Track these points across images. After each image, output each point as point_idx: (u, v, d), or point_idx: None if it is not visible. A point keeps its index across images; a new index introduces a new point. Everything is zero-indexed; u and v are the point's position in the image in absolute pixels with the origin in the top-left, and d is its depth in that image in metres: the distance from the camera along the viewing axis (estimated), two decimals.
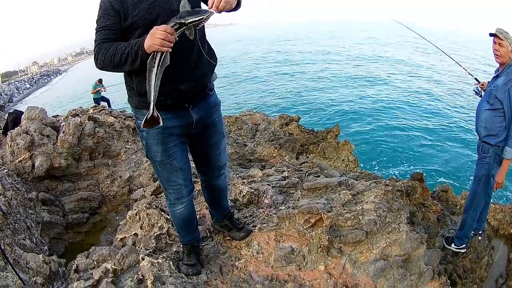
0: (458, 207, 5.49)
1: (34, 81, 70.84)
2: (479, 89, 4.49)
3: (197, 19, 2.21)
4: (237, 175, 5.25)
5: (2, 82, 78.11)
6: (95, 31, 2.46)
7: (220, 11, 2.31)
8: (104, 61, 2.36)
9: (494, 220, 5.08)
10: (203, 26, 2.54)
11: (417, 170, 13.39)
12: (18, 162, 6.05)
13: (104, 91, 17.31)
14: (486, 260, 4.71)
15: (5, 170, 5.61)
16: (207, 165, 3.21)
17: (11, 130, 6.99)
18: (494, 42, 3.91)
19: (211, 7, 2.27)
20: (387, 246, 3.58)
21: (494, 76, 4.09)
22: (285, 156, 7.65)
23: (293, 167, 5.87)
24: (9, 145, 6.41)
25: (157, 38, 2.14)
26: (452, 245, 4.54)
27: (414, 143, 18.70)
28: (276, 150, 7.79)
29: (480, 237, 4.78)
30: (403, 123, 21.84)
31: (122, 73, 2.66)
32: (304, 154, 8.41)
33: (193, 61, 2.60)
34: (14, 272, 3.47)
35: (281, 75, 39.62)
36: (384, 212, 3.78)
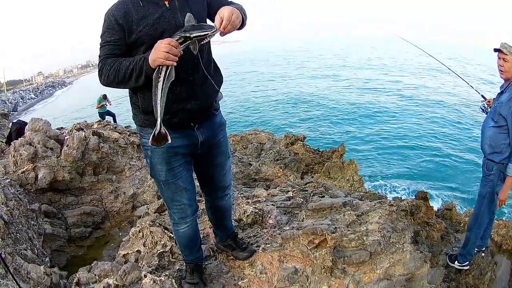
0: (462, 224, 5.49)
1: (39, 91, 71.16)
2: (486, 106, 4.46)
3: (201, 34, 2.21)
4: (242, 195, 5.24)
5: (6, 91, 78.61)
6: (99, 46, 2.45)
7: (224, 34, 2.31)
8: (108, 77, 2.34)
9: (497, 235, 5.07)
10: (209, 43, 2.56)
11: (422, 188, 13.46)
12: (21, 173, 6.04)
13: (110, 105, 17.35)
14: (489, 276, 4.70)
15: (8, 180, 5.60)
16: (212, 186, 3.20)
17: (14, 140, 7.00)
18: (499, 58, 3.87)
19: (219, 27, 2.26)
20: (391, 266, 3.56)
21: (499, 93, 4.06)
22: (290, 175, 7.66)
23: (298, 187, 5.87)
24: (12, 155, 6.41)
25: (161, 51, 2.12)
26: (456, 262, 4.51)
27: (419, 161, 18.71)
28: (281, 170, 7.80)
29: (483, 254, 4.75)
30: (408, 141, 21.85)
31: (127, 90, 2.65)
32: (309, 173, 8.40)
33: (199, 79, 2.59)
34: (14, 281, 3.47)
35: (285, 94, 39.63)
36: (388, 233, 3.77)
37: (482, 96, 4.68)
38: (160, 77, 2.22)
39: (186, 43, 2.22)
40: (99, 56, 2.43)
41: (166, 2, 2.46)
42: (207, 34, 2.22)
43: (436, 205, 13.11)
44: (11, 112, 40.80)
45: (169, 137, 2.37)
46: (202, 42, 2.32)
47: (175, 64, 2.18)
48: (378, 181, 16.11)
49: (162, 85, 2.24)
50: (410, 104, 32.24)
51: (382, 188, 15.01)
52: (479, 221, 4.31)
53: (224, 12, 2.27)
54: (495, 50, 3.87)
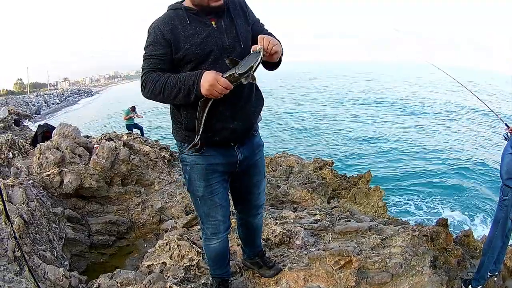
0: (478, 250, 5.47)
1: (64, 97, 71.08)
2: (508, 134, 4.48)
3: (254, 64, 2.26)
4: (270, 216, 5.30)
5: (30, 92, 79.32)
6: (143, 58, 2.48)
7: (268, 53, 2.34)
8: (153, 91, 2.36)
9: (510, 261, 5.04)
10: None
11: (443, 215, 13.41)
12: (46, 176, 6.08)
13: (140, 118, 17.47)
14: None
15: (31, 181, 5.64)
16: (246, 204, 3.24)
17: (40, 143, 7.04)
18: None
19: (264, 48, 2.31)
20: None
21: None
22: (317, 199, 7.68)
23: (325, 211, 5.91)
24: (37, 157, 6.44)
25: (215, 91, 2.20)
26: (469, 287, 4.50)
27: (444, 187, 18.55)
28: (309, 194, 7.83)
29: (496, 278, 4.73)
30: (433, 168, 21.68)
31: (168, 105, 2.70)
32: (336, 198, 8.41)
33: (243, 100, 2.63)
34: (32, 277, 3.54)
35: (314, 116, 39.53)
36: (410, 256, 3.84)
37: (506, 124, 4.70)
38: (208, 102, 2.32)
39: (238, 81, 2.28)
40: (143, 68, 2.47)
41: (213, 22, 2.49)
42: (258, 60, 2.27)
43: (458, 226, 13.11)
44: (34, 115, 41.16)
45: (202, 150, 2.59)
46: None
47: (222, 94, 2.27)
48: (403, 207, 16.04)
49: (207, 109, 2.34)
50: (434, 135, 31.99)
51: (404, 213, 14.97)
52: (493, 245, 4.32)
53: (265, 36, 2.34)
54: None
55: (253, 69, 2.26)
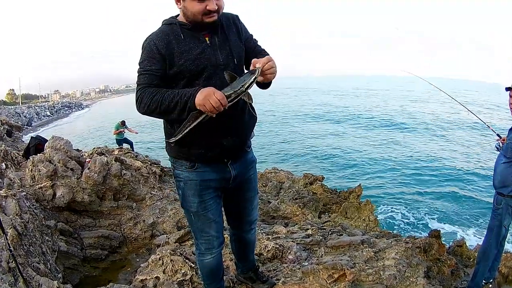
0: (471, 259, 5.53)
1: (55, 110, 70.79)
2: (501, 144, 4.52)
3: (251, 81, 2.27)
4: (261, 231, 5.33)
5: (21, 103, 79.30)
6: (137, 73, 2.46)
7: (265, 76, 2.35)
8: (150, 107, 2.33)
9: (505, 267, 5.08)
10: None
11: (434, 226, 13.51)
12: (38, 188, 6.07)
13: (135, 133, 17.50)
14: None
15: (24, 193, 5.61)
16: (239, 220, 3.25)
17: (33, 155, 7.04)
18: (510, 96, 3.98)
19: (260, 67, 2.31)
20: None
21: (510, 129, 4.15)
22: (308, 214, 7.71)
23: (316, 226, 5.93)
24: (30, 169, 6.45)
25: (210, 104, 2.17)
26: None
27: (437, 197, 18.63)
28: (300, 209, 7.85)
29: (491, 285, 4.77)
30: (424, 178, 21.80)
31: (159, 120, 2.67)
32: (327, 213, 8.43)
33: (237, 116, 2.63)
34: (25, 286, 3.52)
35: (304, 131, 39.60)
36: (403, 267, 3.85)
37: (498, 135, 4.76)
38: (199, 116, 2.29)
39: (235, 100, 2.29)
40: (138, 83, 2.44)
41: (207, 38, 2.51)
42: (254, 77, 2.28)
43: (451, 236, 13.15)
44: (25, 126, 41.01)
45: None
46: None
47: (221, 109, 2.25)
48: (394, 220, 16.08)
49: (196, 122, 2.31)
50: (427, 143, 32.20)
51: (396, 226, 15.03)
52: (487, 253, 4.36)
53: (262, 58, 2.36)
54: (507, 89, 3.97)
55: (247, 87, 2.27)
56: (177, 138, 2.39)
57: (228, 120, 2.56)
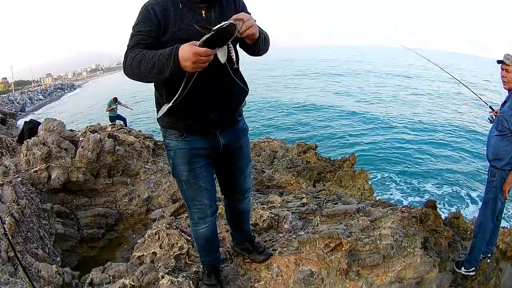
0: (468, 232, 5.54)
1: (48, 93, 70.60)
2: (493, 117, 4.51)
3: (223, 26, 2.10)
4: (256, 201, 5.31)
5: (14, 91, 78.91)
6: (130, 36, 2.42)
7: (245, 34, 2.26)
8: (132, 66, 2.27)
9: (503, 243, 5.11)
10: (237, 52, 2.55)
11: (431, 197, 13.53)
12: (33, 172, 6.03)
13: (130, 109, 17.44)
14: (493, 282, 4.76)
15: (19, 179, 5.58)
16: (232, 188, 3.24)
17: (27, 139, 6.98)
18: (502, 69, 3.97)
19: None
20: (402, 270, 3.67)
21: (502, 103, 4.17)
22: (302, 183, 7.69)
23: (311, 194, 5.92)
24: (25, 154, 6.40)
25: (188, 63, 2.10)
26: (462, 268, 4.54)
27: (429, 170, 18.70)
28: (294, 178, 7.84)
29: (489, 260, 4.79)
30: (419, 149, 21.87)
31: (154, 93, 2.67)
32: (321, 182, 8.41)
33: (224, 90, 2.60)
34: (27, 278, 3.51)
35: (298, 102, 39.41)
36: (400, 237, 3.86)
37: (490, 107, 4.74)
38: (193, 76, 2.25)
39: (212, 42, 2.13)
40: (128, 45, 2.39)
41: (203, 12, 2.48)
42: (227, 24, 2.11)
43: (446, 208, 13.25)
44: (19, 113, 40.80)
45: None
46: (229, 45, 2.25)
47: (206, 65, 2.15)
48: (389, 190, 16.14)
49: (192, 80, 2.27)
50: (421, 114, 32.19)
51: (391, 196, 15.09)
52: (484, 227, 4.37)
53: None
54: (498, 61, 3.97)
55: (218, 28, 2.11)
56: (170, 104, 2.35)
57: (215, 94, 2.56)
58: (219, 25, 2.10)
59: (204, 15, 2.48)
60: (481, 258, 4.62)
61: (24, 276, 3.57)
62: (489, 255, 4.81)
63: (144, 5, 2.45)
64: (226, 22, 2.12)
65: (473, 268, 4.52)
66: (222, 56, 2.22)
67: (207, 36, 2.11)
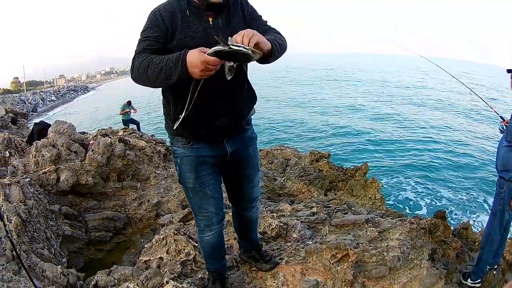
0: (476, 243, 5.48)
1: (61, 94, 70.72)
2: (504, 127, 4.47)
3: (242, 50, 2.06)
4: (266, 209, 5.29)
5: (26, 91, 79.57)
6: (137, 42, 2.43)
7: (251, 48, 2.13)
8: (139, 71, 2.26)
9: (509, 254, 5.04)
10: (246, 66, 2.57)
11: (441, 207, 13.43)
12: (42, 174, 6.06)
13: (135, 113, 17.42)
14: None
15: (28, 179, 5.62)
16: (240, 197, 3.23)
17: (36, 141, 7.03)
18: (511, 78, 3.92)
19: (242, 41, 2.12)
20: (408, 282, 3.61)
21: None
22: (314, 192, 7.67)
23: (322, 203, 5.89)
24: (34, 155, 6.44)
25: (196, 70, 2.07)
26: (469, 280, 4.49)
27: (440, 179, 18.56)
28: (305, 186, 7.82)
29: (495, 271, 4.74)
30: (429, 159, 21.73)
31: (162, 100, 2.69)
32: (333, 190, 8.39)
33: (231, 97, 2.59)
34: (28, 277, 3.49)
35: (311, 110, 39.29)
36: (407, 249, 3.82)
37: (501, 117, 4.70)
38: (199, 83, 2.24)
39: (223, 56, 2.09)
40: (135, 51, 2.40)
41: (210, 19, 2.47)
42: (245, 52, 2.07)
43: (455, 218, 13.11)
44: (31, 113, 40.95)
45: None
46: (233, 64, 2.19)
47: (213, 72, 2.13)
48: (399, 198, 16.05)
49: (199, 87, 2.26)
50: (433, 124, 32.02)
51: (402, 205, 15.00)
52: (491, 238, 4.31)
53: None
54: (508, 71, 3.91)
55: (242, 52, 2.07)
56: (185, 113, 2.34)
57: (222, 102, 2.55)
58: (237, 47, 2.06)
59: (211, 23, 2.48)
60: (487, 269, 4.58)
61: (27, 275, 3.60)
62: (496, 266, 4.77)
63: (152, 11, 2.46)
64: (246, 49, 2.08)
65: (479, 280, 4.48)
66: (227, 72, 2.20)
67: (220, 48, 2.07)
